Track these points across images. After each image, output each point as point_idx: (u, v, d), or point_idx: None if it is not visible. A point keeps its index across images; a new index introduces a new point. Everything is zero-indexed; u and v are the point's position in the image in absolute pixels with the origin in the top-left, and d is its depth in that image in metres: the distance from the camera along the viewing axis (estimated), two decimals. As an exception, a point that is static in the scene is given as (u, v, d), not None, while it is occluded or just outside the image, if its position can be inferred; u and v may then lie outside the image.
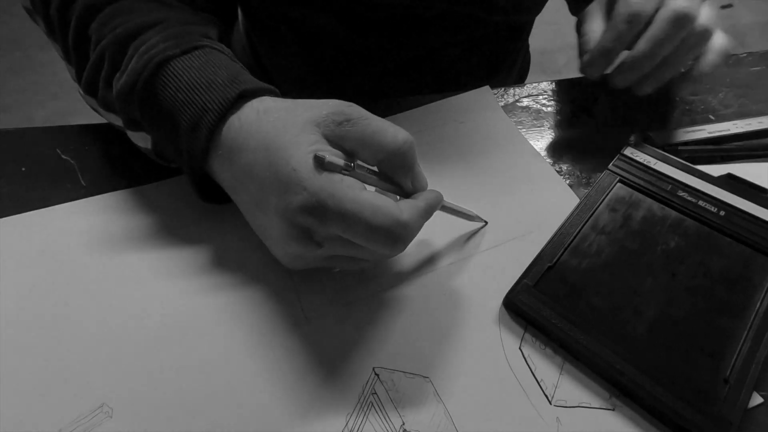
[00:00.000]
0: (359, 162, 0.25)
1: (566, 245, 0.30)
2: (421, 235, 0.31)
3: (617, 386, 0.25)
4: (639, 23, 0.32)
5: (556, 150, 0.37)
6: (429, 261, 0.31)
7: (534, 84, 0.43)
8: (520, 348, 0.27)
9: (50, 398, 0.24)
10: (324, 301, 0.28)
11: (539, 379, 0.26)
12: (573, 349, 0.26)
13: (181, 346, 0.26)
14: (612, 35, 0.33)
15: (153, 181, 0.34)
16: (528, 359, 0.27)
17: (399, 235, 0.24)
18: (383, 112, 0.39)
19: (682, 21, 0.31)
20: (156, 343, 0.26)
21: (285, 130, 0.25)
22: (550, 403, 0.25)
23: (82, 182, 0.34)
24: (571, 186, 0.35)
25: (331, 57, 0.48)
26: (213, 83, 0.26)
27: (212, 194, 0.30)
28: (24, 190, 0.33)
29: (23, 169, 0.34)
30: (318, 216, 0.23)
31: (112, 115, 0.31)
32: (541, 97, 0.42)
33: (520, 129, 0.39)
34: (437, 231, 0.32)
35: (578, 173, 0.36)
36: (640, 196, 0.33)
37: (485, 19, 0.47)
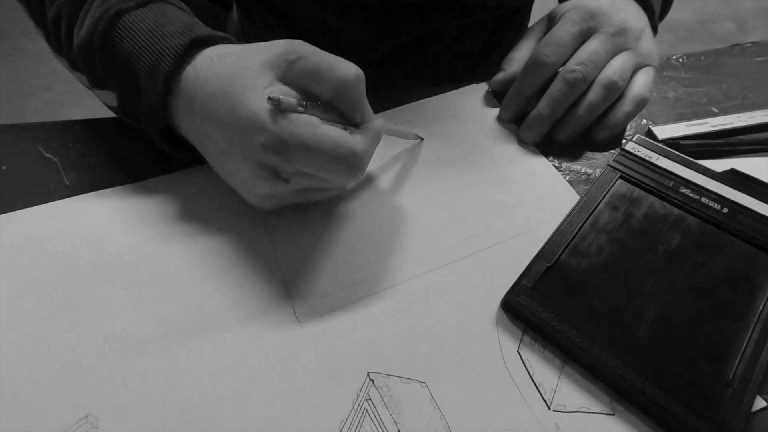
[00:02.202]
0: (311, 102, 0.26)
1: (565, 245, 0.29)
2: (416, 235, 0.31)
3: (617, 390, 0.25)
4: (578, 90, 0.34)
5: (554, 146, 0.36)
6: (425, 262, 0.30)
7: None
8: (518, 351, 0.26)
9: (31, 409, 0.24)
10: (317, 304, 0.28)
11: (538, 384, 0.25)
12: (573, 352, 0.25)
13: (169, 352, 0.26)
14: (547, 102, 0.35)
15: (139, 180, 0.33)
16: (526, 363, 0.26)
17: (357, 164, 0.26)
18: (378, 107, 0.38)
19: (574, 83, 0.34)
20: (143, 350, 0.26)
21: (240, 73, 0.25)
22: (549, 408, 0.24)
23: (66, 181, 0.32)
24: (570, 183, 0.34)
25: (319, 46, 0.47)
26: (166, 33, 0.27)
27: (180, 147, 0.30)
28: (5, 190, 0.32)
29: (4, 167, 0.33)
30: (282, 154, 0.24)
31: (80, 75, 0.31)
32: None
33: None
34: (432, 231, 0.31)
35: (578, 169, 0.35)
36: (642, 192, 0.32)
37: (478, 4, 0.45)
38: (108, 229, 0.30)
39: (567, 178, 0.34)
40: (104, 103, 0.32)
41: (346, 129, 0.27)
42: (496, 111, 0.39)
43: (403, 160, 0.35)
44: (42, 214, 0.31)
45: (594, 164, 0.36)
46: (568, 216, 0.31)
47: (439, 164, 0.35)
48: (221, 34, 0.28)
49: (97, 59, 0.28)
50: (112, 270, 0.28)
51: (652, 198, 0.32)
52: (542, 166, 0.35)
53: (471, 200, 0.33)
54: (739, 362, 0.24)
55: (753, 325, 0.26)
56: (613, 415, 0.24)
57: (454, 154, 0.36)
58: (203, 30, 0.28)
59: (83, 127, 0.36)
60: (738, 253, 0.29)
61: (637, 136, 0.35)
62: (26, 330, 0.26)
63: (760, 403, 0.24)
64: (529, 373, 0.25)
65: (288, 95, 0.25)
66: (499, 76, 0.39)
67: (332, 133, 0.25)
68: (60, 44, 0.31)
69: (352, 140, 0.26)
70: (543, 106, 0.35)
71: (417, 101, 0.39)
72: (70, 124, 0.36)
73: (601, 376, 0.25)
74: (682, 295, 0.27)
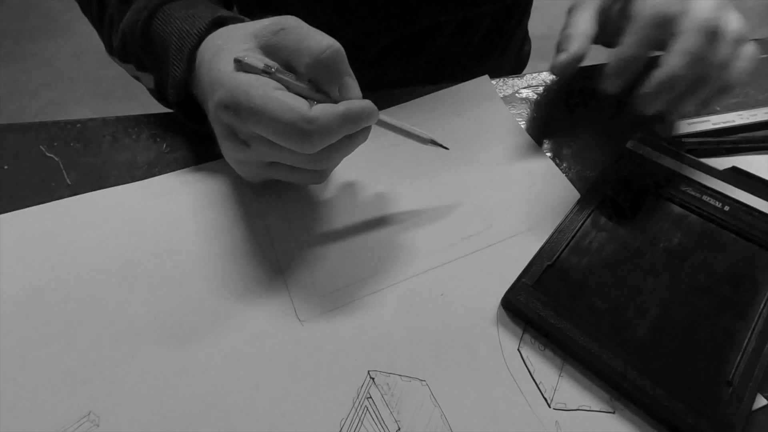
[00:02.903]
0: (282, 69, 0.26)
1: (566, 243, 0.29)
2: (417, 233, 0.31)
3: (618, 389, 0.25)
4: (669, 28, 0.28)
5: (556, 143, 0.36)
6: (425, 260, 0.30)
7: (534, 74, 0.42)
8: (518, 349, 0.26)
9: (34, 406, 0.24)
10: (318, 303, 0.28)
11: (538, 382, 0.25)
12: (573, 350, 0.25)
13: (170, 351, 0.26)
14: (636, 40, 0.29)
15: (139, 179, 0.33)
16: (527, 361, 0.26)
17: (305, 129, 0.24)
18: (379, 104, 0.38)
19: (715, 35, 0.28)
20: (145, 349, 0.26)
21: (226, 41, 0.28)
22: (549, 406, 0.24)
23: (67, 180, 0.33)
24: (571, 181, 0.34)
25: None
26: (196, 15, 0.31)
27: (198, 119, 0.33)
28: (6, 189, 0.32)
29: (5, 167, 0.33)
30: (234, 111, 0.25)
31: (128, 66, 0.35)
32: (541, 88, 0.40)
33: (519, 121, 0.38)
34: (432, 229, 0.31)
35: (579, 167, 0.35)
36: (643, 191, 0.32)
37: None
38: (109, 229, 0.30)
39: (568, 176, 0.34)
40: (146, 87, 0.35)
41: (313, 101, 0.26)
42: (497, 106, 0.39)
43: (403, 160, 0.35)
44: (43, 214, 0.31)
45: (595, 162, 0.35)
46: (568, 214, 0.31)
47: (440, 162, 0.35)
48: (241, 16, 0.31)
49: (138, 41, 0.32)
50: (113, 269, 0.28)
51: (653, 196, 0.31)
52: (543, 164, 0.35)
53: (471, 198, 0.33)
54: (740, 360, 0.24)
55: (754, 324, 0.26)
56: (614, 413, 0.24)
57: (454, 151, 0.36)
58: (225, 13, 0.31)
59: (84, 127, 0.36)
60: (739, 251, 0.29)
61: (638, 133, 0.35)
62: (27, 329, 0.26)
63: (760, 401, 0.24)
64: (529, 371, 0.25)
65: (258, 60, 0.26)
66: (562, 57, 0.33)
67: (285, 96, 0.24)
68: (111, 42, 0.34)
69: (304, 105, 0.24)
70: (676, 65, 0.27)
71: (417, 98, 0.39)
72: (72, 123, 0.36)
73: (601, 375, 0.25)
74: (682, 294, 0.27)
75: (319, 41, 0.25)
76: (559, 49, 0.33)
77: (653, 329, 0.26)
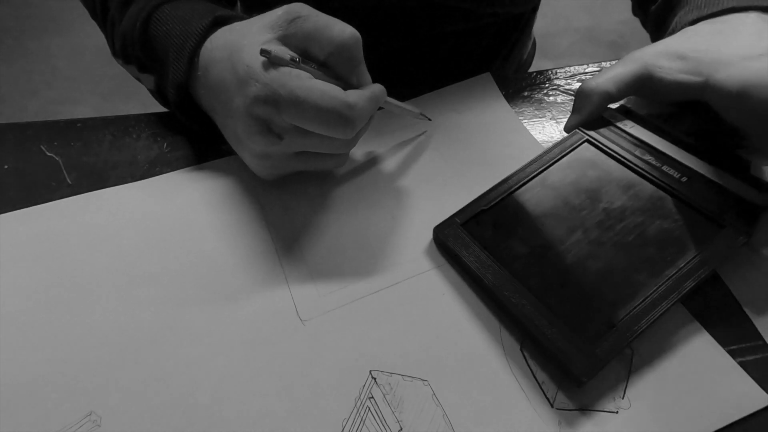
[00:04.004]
0: (305, 59, 0.27)
1: (508, 192, 0.30)
2: (418, 233, 0.31)
3: (519, 326, 0.26)
4: None
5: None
6: (427, 259, 0.30)
7: (535, 73, 0.41)
8: (521, 349, 0.26)
9: (35, 407, 0.24)
10: (319, 303, 0.28)
11: (540, 382, 0.25)
12: (485, 286, 0.27)
13: (172, 350, 0.26)
14: None
15: (140, 179, 0.33)
16: (529, 361, 0.26)
17: (347, 116, 0.25)
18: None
19: None
20: (146, 349, 0.26)
21: (243, 36, 0.27)
22: (552, 406, 0.24)
23: (68, 180, 0.33)
24: (573, 179, 0.34)
25: None
26: (194, 15, 0.30)
27: (197, 119, 0.33)
28: (6, 189, 0.32)
29: (5, 166, 0.33)
30: (272, 104, 0.25)
31: (131, 67, 0.35)
32: (542, 86, 0.40)
33: (522, 119, 0.38)
34: (431, 229, 0.31)
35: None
36: (603, 157, 0.31)
37: (475, 11, 0.45)
38: (109, 228, 0.30)
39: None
40: (148, 89, 0.35)
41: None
42: (499, 104, 0.38)
43: (403, 157, 0.35)
44: (43, 214, 0.31)
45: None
46: (521, 168, 0.31)
47: (440, 160, 0.35)
48: (242, 15, 0.31)
49: (138, 42, 0.32)
50: (114, 269, 0.28)
51: (611, 162, 0.31)
52: (545, 163, 0.35)
53: (473, 196, 0.33)
54: (633, 310, 0.25)
55: (664, 281, 0.26)
56: (616, 413, 0.24)
57: (455, 149, 0.35)
58: (225, 11, 0.31)
59: (85, 126, 0.36)
60: (681, 219, 0.28)
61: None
62: (27, 329, 0.26)
63: (761, 401, 0.24)
64: (531, 371, 0.25)
65: (282, 50, 0.26)
66: (572, 122, 0.33)
67: (321, 84, 0.25)
68: (114, 44, 0.35)
69: (342, 92, 0.25)
70: None
71: (418, 96, 0.39)
72: (72, 123, 0.36)
73: (507, 312, 0.27)
74: (605, 249, 0.28)
75: (342, 29, 0.26)
76: (574, 105, 0.32)
77: (565, 275, 0.27)
